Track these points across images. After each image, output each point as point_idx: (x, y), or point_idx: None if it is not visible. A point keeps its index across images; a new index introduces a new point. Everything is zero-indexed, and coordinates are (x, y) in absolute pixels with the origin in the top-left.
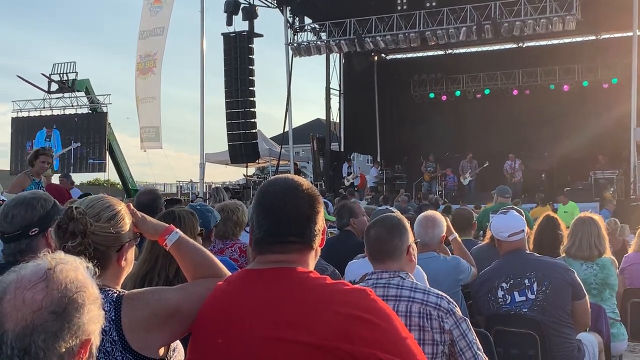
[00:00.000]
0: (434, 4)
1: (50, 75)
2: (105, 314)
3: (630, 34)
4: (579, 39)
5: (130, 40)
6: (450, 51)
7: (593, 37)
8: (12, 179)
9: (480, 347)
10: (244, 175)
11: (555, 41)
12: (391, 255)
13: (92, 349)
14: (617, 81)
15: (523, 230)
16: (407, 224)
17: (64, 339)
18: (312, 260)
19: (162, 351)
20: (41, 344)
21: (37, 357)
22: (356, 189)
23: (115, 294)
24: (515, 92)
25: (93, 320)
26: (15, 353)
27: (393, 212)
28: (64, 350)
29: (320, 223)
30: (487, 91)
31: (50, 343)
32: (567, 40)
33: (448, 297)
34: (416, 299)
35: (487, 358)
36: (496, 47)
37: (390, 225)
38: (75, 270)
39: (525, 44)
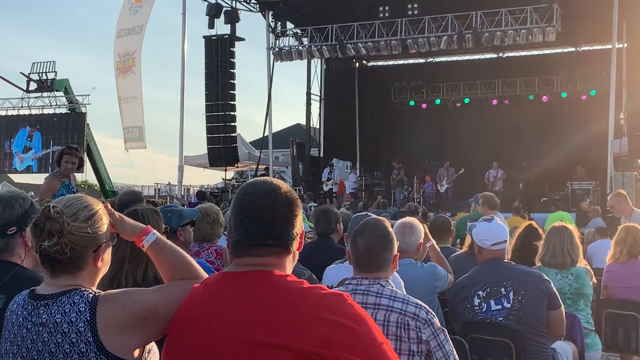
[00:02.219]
0: (415, 12)
1: (29, 74)
2: (80, 314)
3: (609, 46)
4: (559, 50)
5: (110, 40)
6: (431, 59)
7: (572, 49)
8: None
9: (457, 358)
10: (223, 178)
11: (535, 52)
12: (379, 267)
13: None
14: (596, 93)
15: (506, 240)
16: (393, 232)
17: None
18: (290, 263)
19: (137, 353)
20: None
21: None
22: (335, 195)
23: (91, 295)
24: (494, 101)
25: None
26: None
27: (370, 216)
28: None
29: (299, 226)
30: (466, 100)
31: None
32: (546, 52)
33: (427, 307)
34: (395, 308)
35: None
36: (477, 57)
37: (382, 236)
38: None
39: (506, 54)
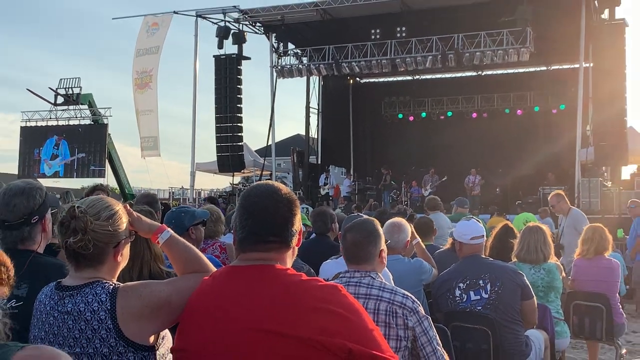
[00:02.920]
0: (404, 34)
1: (56, 89)
2: (102, 304)
3: (577, 65)
4: (532, 69)
5: (129, 59)
6: (417, 77)
7: (544, 68)
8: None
9: (440, 343)
10: (231, 183)
11: (510, 70)
12: (365, 259)
13: None
14: (565, 107)
15: (483, 236)
16: (381, 230)
17: None
18: (290, 258)
19: (152, 339)
20: None
21: None
22: (331, 198)
23: (112, 286)
24: (474, 115)
25: None
26: None
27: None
28: None
29: (297, 224)
30: (449, 113)
31: None
32: (521, 70)
33: (413, 297)
34: (384, 297)
35: (445, 353)
36: (458, 75)
37: (367, 232)
38: None
39: (484, 72)
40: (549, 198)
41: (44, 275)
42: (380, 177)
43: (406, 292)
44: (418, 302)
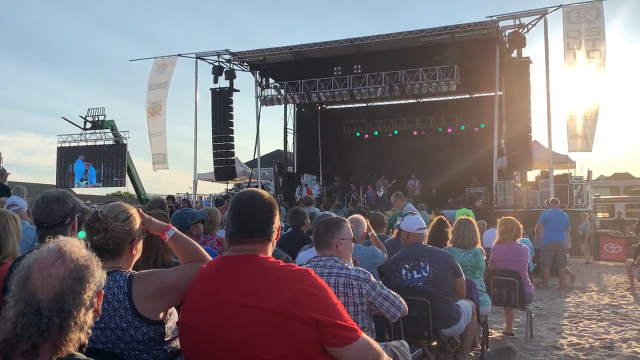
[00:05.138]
0: (359, 70)
1: (85, 116)
2: (121, 289)
3: (493, 93)
4: (458, 96)
5: (143, 92)
6: (370, 104)
7: (468, 96)
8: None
9: (394, 293)
10: (225, 189)
11: (442, 98)
12: (324, 245)
13: (101, 295)
14: (484, 126)
15: (425, 227)
16: (343, 225)
17: (86, 294)
18: (270, 249)
19: (161, 315)
20: (71, 302)
21: (70, 311)
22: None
23: (128, 274)
24: (415, 132)
25: (99, 276)
26: (54, 313)
27: (331, 215)
28: (88, 302)
29: (277, 222)
30: (396, 132)
31: (78, 299)
32: (450, 98)
33: (365, 271)
34: (342, 274)
35: (396, 294)
36: (402, 102)
37: (327, 224)
38: (79, 246)
39: (422, 100)
40: (391, 197)
41: None
42: (343, 182)
43: (360, 269)
44: (369, 273)
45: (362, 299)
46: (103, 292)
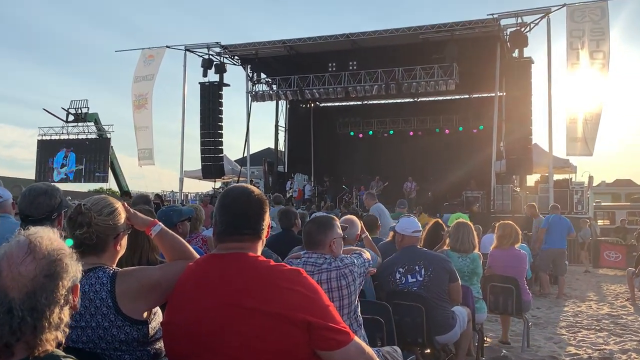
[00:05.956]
0: (355, 67)
1: (68, 109)
2: (103, 286)
3: (493, 94)
4: (457, 97)
5: (129, 84)
6: (366, 102)
7: (467, 96)
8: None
9: (361, 255)
10: (213, 187)
11: (440, 98)
12: (317, 245)
13: (78, 290)
14: (483, 128)
15: (420, 230)
16: (334, 224)
17: (60, 291)
18: (260, 247)
19: (145, 315)
20: (44, 301)
21: (43, 311)
22: (294, 200)
23: (112, 271)
24: (411, 133)
25: (74, 270)
26: (26, 313)
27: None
28: (62, 300)
29: (267, 220)
30: (391, 132)
31: (51, 298)
32: (448, 97)
33: (346, 258)
34: (332, 268)
35: (366, 254)
36: (399, 100)
37: (319, 224)
38: (51, 238)
39: (419, 99)
40: (363, 198)
41: None
42: (335, 183)
43: (345, 261)
44: (351, 258)
45: (356, 283)
46: (79, 286)
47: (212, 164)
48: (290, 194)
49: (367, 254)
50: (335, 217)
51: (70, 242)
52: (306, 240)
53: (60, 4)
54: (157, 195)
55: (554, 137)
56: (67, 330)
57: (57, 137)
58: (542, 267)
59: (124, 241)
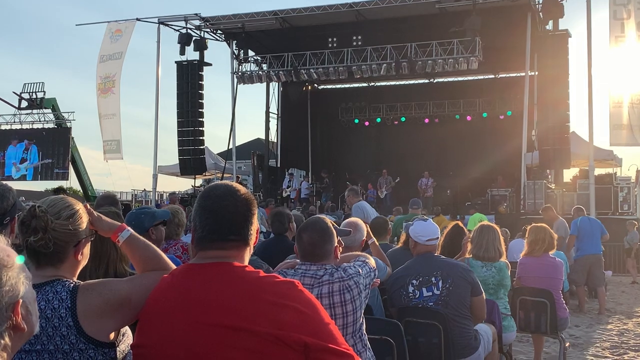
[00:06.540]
0: (359, 43)
1: (20, 93)
2: (62, 302)
3: (523, 74)
4: (480, 77)
5: (93, 65)
6: (372, 84)
7: (492, 76)
8: None
9: (366, 263)
10: (192, 185)
11: (460, 78)
12: (322, 257)
13: (25, 307)
14: (511, 114)
15: (437, 237)
16: (332, 226)
17: None
18: (247, 255)
19: (112, 336)
20: None
21: None
22: (292, 200)
23: (72, 284)
24: (426, 120)
25: (12, 282)
26: None
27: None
28: None
29: (255, 223)
30: (403, 119)
31: None
32: (470, 78)
33: (349, 268)
34: (334, 280)
35: (371, 260)
36: (411, 82)
37: (321, 230)
38: None
39: (436, 80)
40: (345, 194)
41: None
42: (339, 180)
43: (346, 269)
44: (355, 268)
45: (361, 296)
46: (22, 301)
47: (192, 158)
48: (288, 192)
49: (371, 261)
50: (325, 216)
51: (21, 259)
52: (309, 251)
53: None
54: (108, 195)
55: (595, 124)
56: (10, 354)
57: (7, 127)
58: (576, 279)
59: (87, 249)
